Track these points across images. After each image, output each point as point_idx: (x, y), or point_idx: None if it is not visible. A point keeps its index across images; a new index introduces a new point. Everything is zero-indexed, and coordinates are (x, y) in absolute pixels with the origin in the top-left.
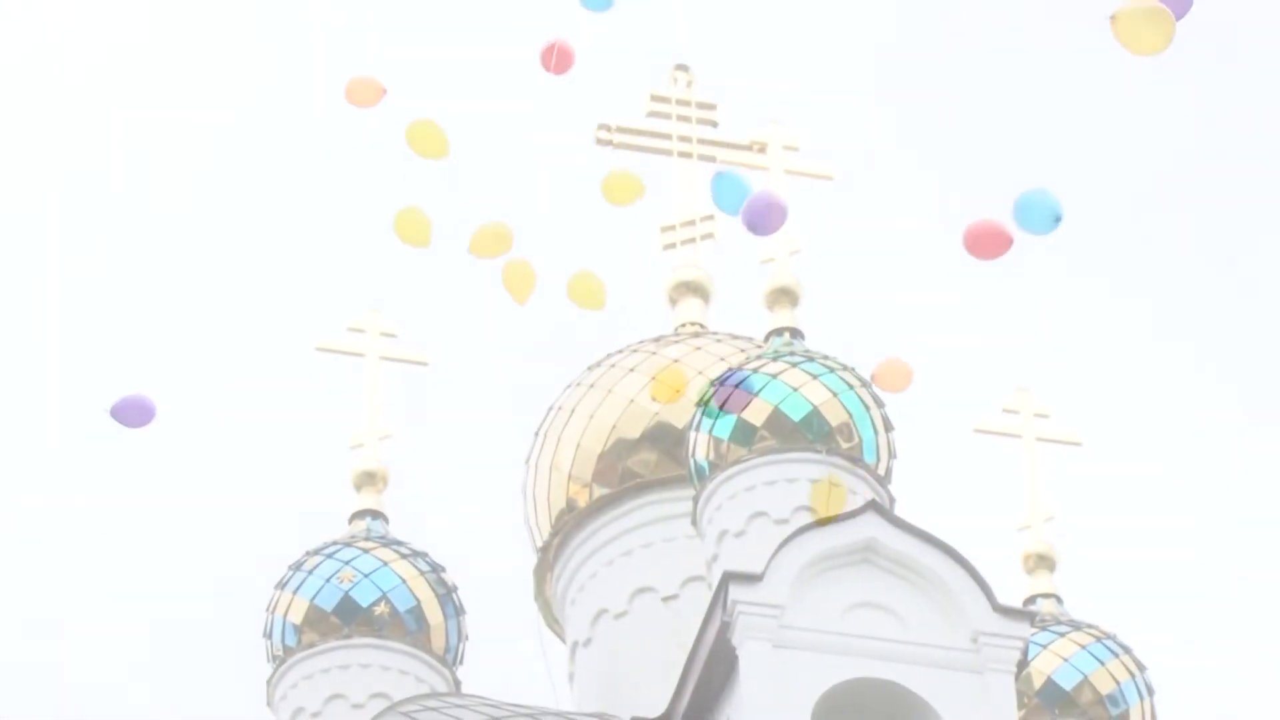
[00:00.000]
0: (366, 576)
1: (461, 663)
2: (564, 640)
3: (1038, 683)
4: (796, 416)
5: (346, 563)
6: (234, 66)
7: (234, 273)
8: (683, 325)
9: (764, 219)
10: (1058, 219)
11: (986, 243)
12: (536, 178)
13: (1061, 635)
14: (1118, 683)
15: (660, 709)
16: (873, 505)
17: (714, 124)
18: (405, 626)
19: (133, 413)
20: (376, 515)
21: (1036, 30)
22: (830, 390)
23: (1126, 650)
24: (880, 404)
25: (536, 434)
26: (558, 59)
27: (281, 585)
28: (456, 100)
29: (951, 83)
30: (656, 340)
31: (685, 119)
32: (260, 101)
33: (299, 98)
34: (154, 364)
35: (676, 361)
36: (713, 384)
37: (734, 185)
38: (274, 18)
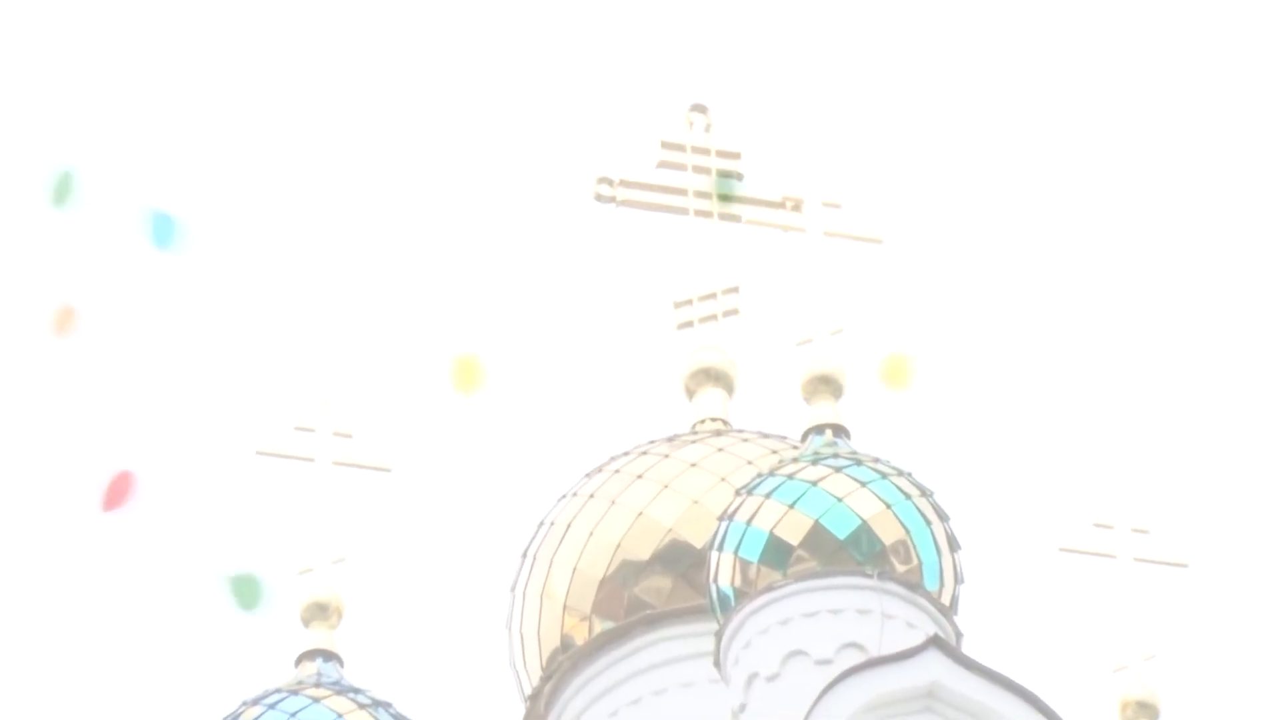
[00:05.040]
0: None
1: None
2: None
3: None
4: (841, 533)
5: (292, 715)
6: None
7: (161, 359)
8: (701, 421)
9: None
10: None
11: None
12: (524, 243)
13: None
14: None
15: None
16: (935, 642)
17: (738, 176)
18: None
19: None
20: (329, 656)
21: (1111, 68)
22: (883, 501)
23: None
24: (944, 517)
25: (524, 555)
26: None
27: None
28: (425, 144)
29: (1022, 126)
30: (670, 440)
31: (703, 170)
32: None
33: (233, 168)
34: (62, 476)
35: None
36: None
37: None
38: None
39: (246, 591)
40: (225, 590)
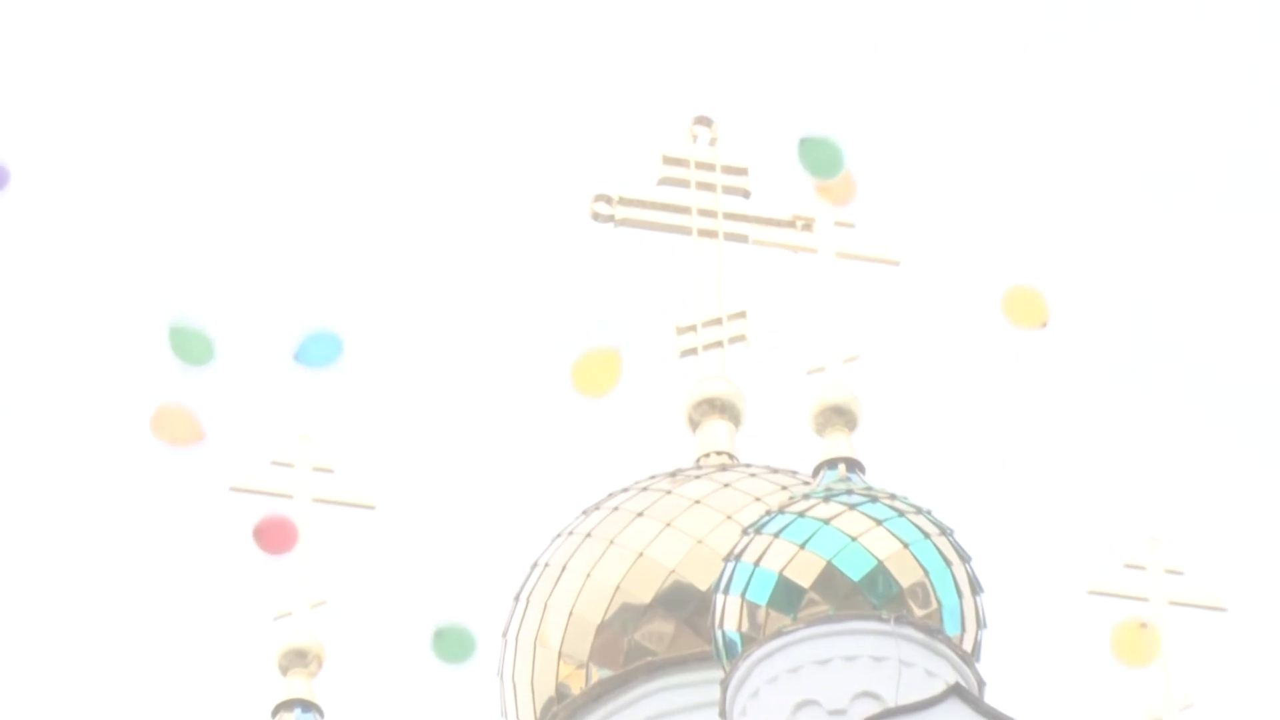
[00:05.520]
0: None
1: None
2: None
3: None
4: (856, 575)
5: None
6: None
7: (130, 387)
8: (706, 455)
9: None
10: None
11: (273, 537)
12: (518, 265)
13: None
14: None
15: None
16: (956, 691)
17: (745, 193)
18: None
19: None
20: (308, 706)
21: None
22: (900, 540)
23: None
24: (965, 557)
25: (516, 599)
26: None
27: None
28: (422, 157)
29: (1050, 136)
30: (673, 475)
31: (708, 186)
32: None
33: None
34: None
35: None
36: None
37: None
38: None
39: (454, 644)
40: (433, 643)
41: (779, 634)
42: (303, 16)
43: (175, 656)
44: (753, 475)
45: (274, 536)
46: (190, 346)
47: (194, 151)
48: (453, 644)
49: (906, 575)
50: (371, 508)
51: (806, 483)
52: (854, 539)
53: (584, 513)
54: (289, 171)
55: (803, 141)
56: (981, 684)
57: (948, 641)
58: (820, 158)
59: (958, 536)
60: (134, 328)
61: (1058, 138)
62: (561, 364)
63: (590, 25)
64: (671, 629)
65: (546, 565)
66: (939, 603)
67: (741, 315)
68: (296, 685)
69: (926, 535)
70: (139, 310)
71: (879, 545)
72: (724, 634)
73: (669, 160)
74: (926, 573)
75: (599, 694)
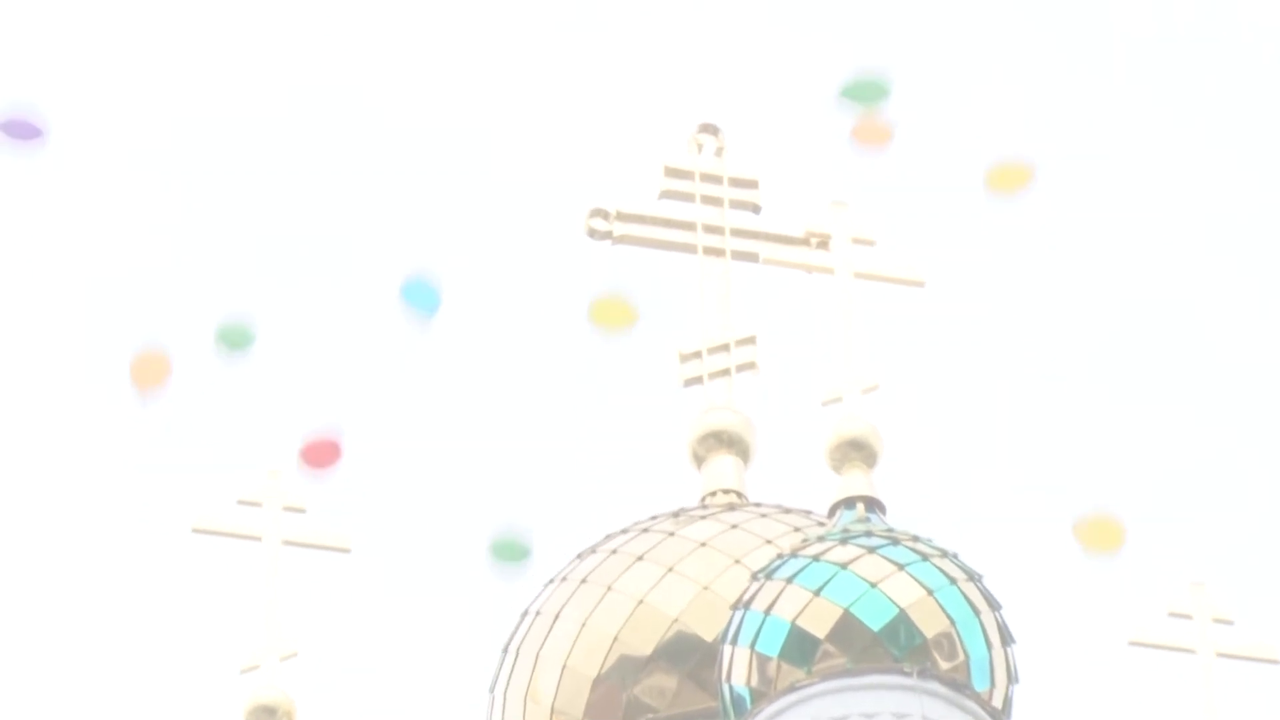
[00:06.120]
0: None
1: None
2: None
3: None
4: (876, 624)
5: None
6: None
7: (86, 425)
8: (712, 494)
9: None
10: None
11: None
12: (508, 285)
13: None
14: None
15: None
16: None
17: (755, 208)
18: None
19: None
20: None
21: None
22: (924, 586)
23: None
24: (995, 605)
25: (505, 650)
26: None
27: None
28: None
29: (1084, 147)
30: (676, 516)
31: (714, 200)
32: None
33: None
34: None
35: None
36: None
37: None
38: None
39: (510, 550)
40: (492, 550)
41: (792, 689)
42: (299, 27)
43: (134, 712)
44: (763, 515)
45: (320, 455)
46: (234, 337)
47: (188, 162)
48: (510, 551)
49: (931, 625)
50: (346, 551)
51: (822, 523)
52: (873, 585)
53: (579, 556)
54: (280, 177)
55: (849, 83)
56: None
57: (976, 697)
58: (865, 89)
59: (987, 582)
60: (87, 367)
61: (1097, 143)
62: (552, 397)
63: (586, 24)
64: (674, 683)
65: (538, 614)
66: (966, 655)
67: (751, 341)
68: None
69: (953, 581)
70: (88, 355)
71: (901, 592)
72: (731, 689)
73: (671, 172)
74: (953, 622)
75: None
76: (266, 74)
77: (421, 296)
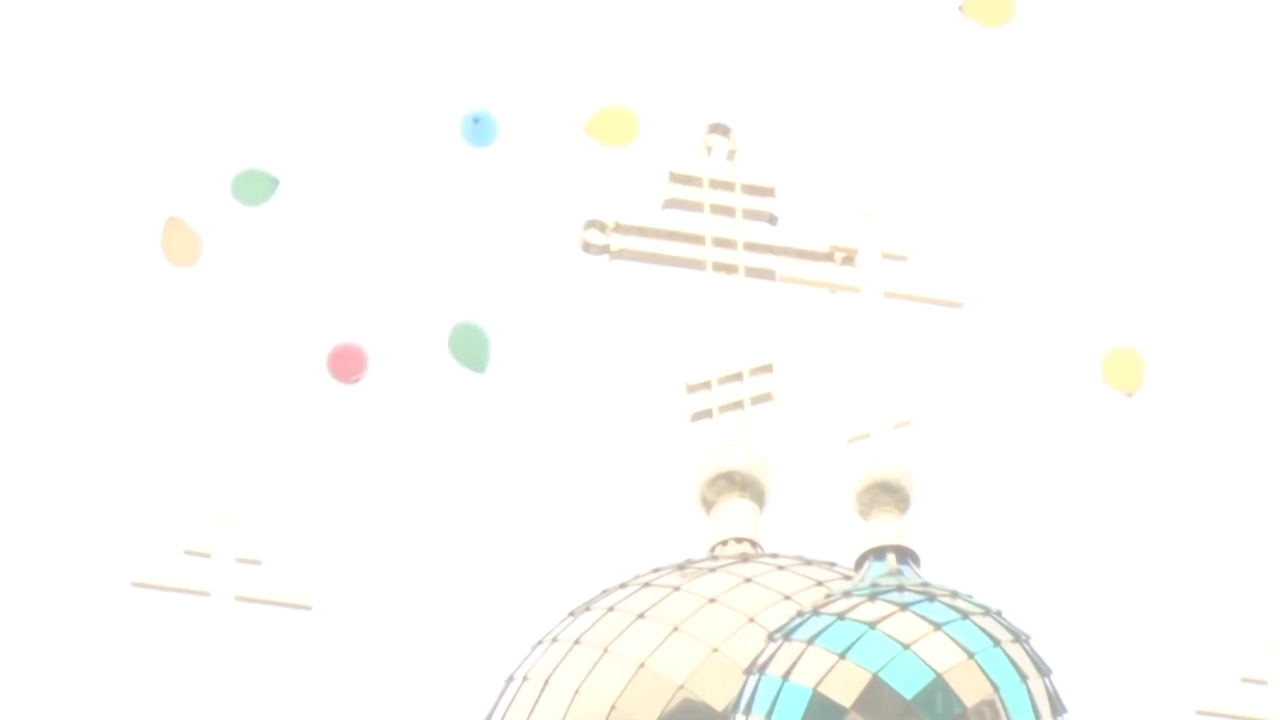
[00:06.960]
0: None
1: None
2: None
3: None
4: (909, 691)
5: None
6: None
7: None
8: (723, 543)
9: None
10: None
11: (344, 364)
12: (494, 305)
13: None
14: None
15: None
16: None
17: (771, 218)
18: None
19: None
20: None
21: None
22: (963, 648)
23: None
24: (1044, 670)
25: (490, 718)
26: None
27: None
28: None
29: (1130, 160)
30: (682, 568)
31: (725, 210)
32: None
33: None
34: None
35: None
36: None
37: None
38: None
39: (252, 186)
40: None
41: None
42: (296, 33)
43: None
44: (780, 568)
45: (345, 364)
46: (253, 186)
47: (186, 164)
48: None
49: (972, 692)
50: (307, 608)
51: (847, 577)
52: (906, 647)
53: (571, 614)
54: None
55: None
56: None
57: None
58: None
59: (1035, 643)
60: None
61: (1141, 158)
62: (543, 433)
63: (581, 17)
64: None
65: (525, 679)
66: None
67: (767, 369)
68: None
69: (996, 642)
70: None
71: (937, 655)
72: None
73: (677, 178)
74: (996, 689)
75: None
76: (262, 70)
77: (480, 130)
